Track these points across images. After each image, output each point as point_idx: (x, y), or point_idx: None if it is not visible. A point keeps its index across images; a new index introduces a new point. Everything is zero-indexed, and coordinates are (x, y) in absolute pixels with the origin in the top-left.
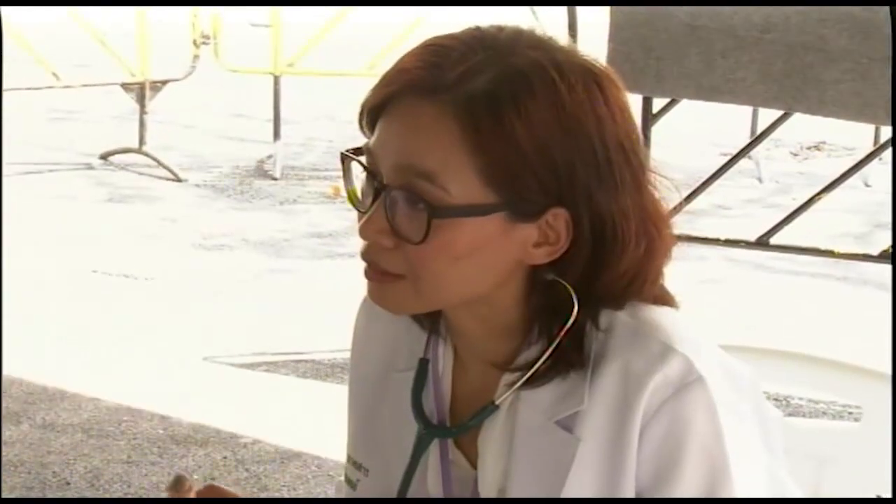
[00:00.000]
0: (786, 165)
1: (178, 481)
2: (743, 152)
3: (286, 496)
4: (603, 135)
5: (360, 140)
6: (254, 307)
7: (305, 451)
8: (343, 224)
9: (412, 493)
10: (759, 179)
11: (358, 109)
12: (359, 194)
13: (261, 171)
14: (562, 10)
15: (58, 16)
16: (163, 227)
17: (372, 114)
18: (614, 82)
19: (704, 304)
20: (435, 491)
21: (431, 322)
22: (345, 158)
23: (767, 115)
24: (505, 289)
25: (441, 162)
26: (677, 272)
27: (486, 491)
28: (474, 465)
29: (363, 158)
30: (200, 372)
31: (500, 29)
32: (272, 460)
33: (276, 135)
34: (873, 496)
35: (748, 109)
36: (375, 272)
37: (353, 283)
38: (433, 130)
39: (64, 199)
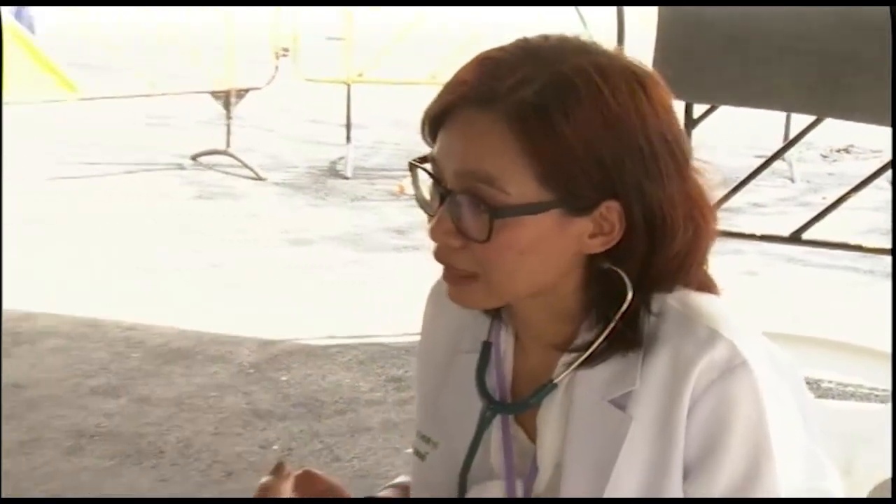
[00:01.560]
0: (816, 167)
1: (279, 466)
2: (777, 155)
3: (356, 466)
4: (647, 131)
5: (421, 143)
6: (332, 295)
7: (374, 426)
8: (409, 219)
9: (476, 464)
10: (792, 179)
11: (420, 120)
12: (427, 198)
13: (334, 171)
14: (605, 9)
15: (143, 27)
16: (247, 221)
17: (433, 124)
18: (656, 81)
19: (741, 294)
20: (497, 463)
21: (495, 309)
22: (412, 167)
23: (799, 120)
24: (566, 278)
25: (498, 166)
26: (716, 265)
27: (545, 463)
28: (533, 440)
29: (428, 166)
30: (278, 353)
31: (546, 38)
32: (344, 433)
33: (348, 138)
34: None
35: (781, 114)
36: (452, 275)
37: (418, 273)
38: (489, 138)
39: (158, 197)
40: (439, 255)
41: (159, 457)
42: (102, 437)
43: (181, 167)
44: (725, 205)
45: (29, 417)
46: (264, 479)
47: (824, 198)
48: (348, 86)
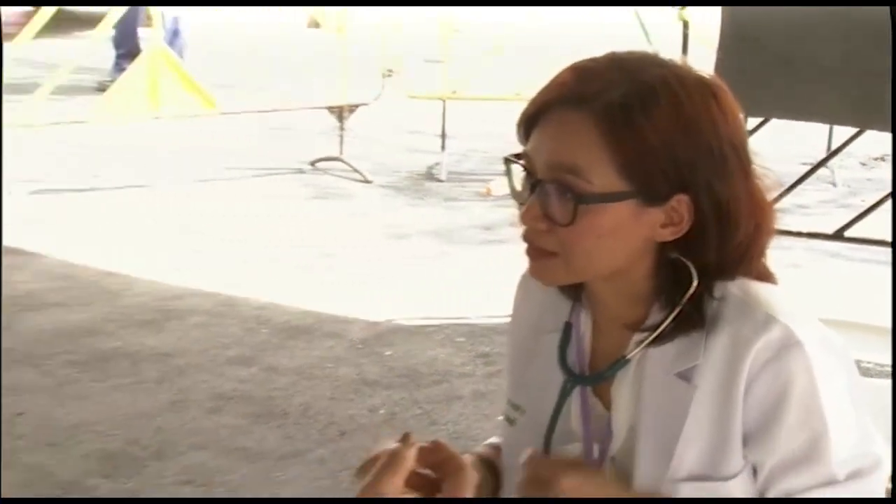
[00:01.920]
0: (855, 173)
1: (406, 436)
2: (823, 162)
3: (450, 430)
4: (718, 134)
5: (505, 151)
6: (427, 282)
7: (465, 395)
8: (494, 217)
9: (558, 430)
10: (834, 184)
11: (517, 121)
12: (518, 189)
13: (430, 175)
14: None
15: (270, 48)
16: (355, 218)
17: (527, 124)
18: (726, 91)
19: (789, 285)
20: (577, 427)
21: (575, 293)
22: (507, 161)
23: (840, 132)
24: (638, 264)
25: (585, 159)
26: (767, 258)
27: (619, 429)
28: (608, 409)
29: (521, 162)
30: (383, 331)
31: (631, 53)
32: (439, 401)
33: (443, 147)
34: None
35: (825, 126)
36: (534, 251)
37: (502, 263)
38: (578, 134)
39: (282, 197)
40: (527, 236)
41: (284, 417)
42: (237, 400)
43: (301, 171)
44: (775, 206)
45: (178, 382)
46: (393, 446)
47: (863, 200)
48: (444, 102)
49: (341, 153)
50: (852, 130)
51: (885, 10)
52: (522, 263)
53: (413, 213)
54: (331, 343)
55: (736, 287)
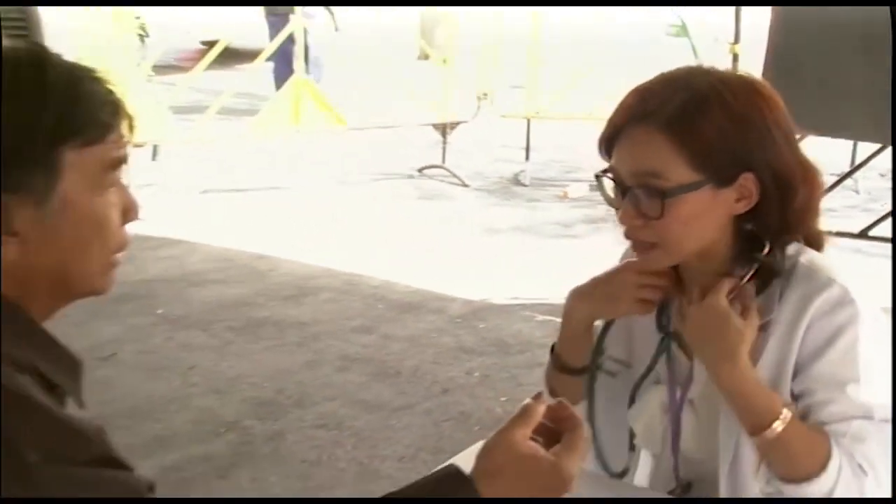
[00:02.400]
0: (876, 183)
1: (538, 395)
2: (851, 173)
3: (533, 390)
4: (765, 120)
5: (579, 162)
6: (514, 269)
7: (545, 362)
8: (570, 216)
9: (648, 380)
10: (857, 192)
11: (598, 141)
12: (611, 197)
13: (516, 181)
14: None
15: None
16: (455, 216)
17: (607, 143)
18: (766, 85)
19: None
20: (662, 374)
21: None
22: (598, 177)
23: (863, 147)
24: (721, 238)
25: (659, 162)
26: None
27: (700, 374)
28: (690, 359)
29: (609, 175)
30: (478, 308)
31: (679, 69)
32: (524, 366)
33: (527, 157)
34: None
35: (849, 142)
36: (638, 245)
37: (575, 254)
38: (650, 144)
39: (395, 198)
40: (628, 234)
41: (397, 377)
42: (360, 361)
43: (411, 177)
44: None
45: (313, 345)
46: (526, 401)
47: (883, 205)
48: (528, 120)
49: (444, 162)
50: (874, 146)
51: None
52: (592, 253)
53: (502, 212)
54: (435, 317)
55: (804, 259)
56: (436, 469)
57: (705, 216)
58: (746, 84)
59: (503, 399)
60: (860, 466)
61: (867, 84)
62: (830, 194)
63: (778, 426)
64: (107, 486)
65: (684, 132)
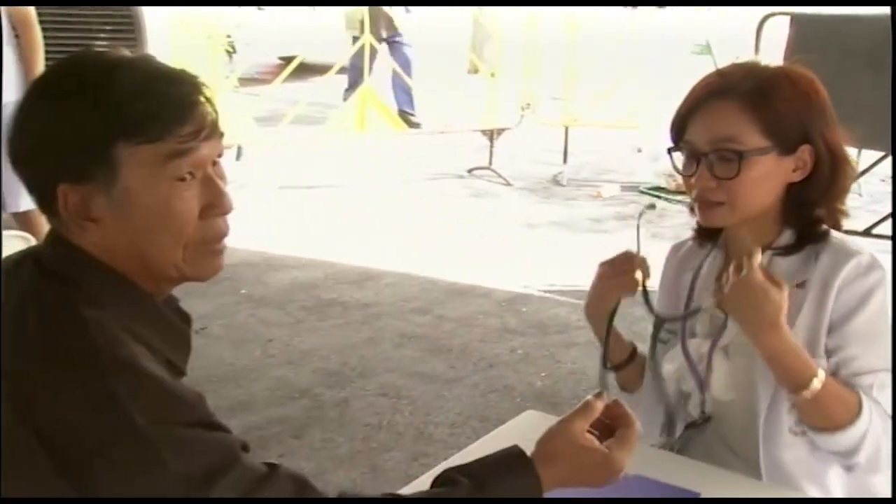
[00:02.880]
0: (877, 187)
1: (600, 394)
2: (855, 178)
3: (569, 367)
4: (820, 100)
5: (611, 165)
6: (552, 260)
7: (581, 342)
8: (603, 213)
9: (686, 332)
10: (860, 195)
11: (671, 122)
12: (679, 168)
13: (555, 181)
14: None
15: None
16: (500, 212)
17: (682, 120)
18: (814, 77)
19: None
20: (699, 330)
21: (712, 240)
22: (670, 151)
23: (867, 154)
24: (775, 203)
25: (737, 129)
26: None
27: (732, 328)
28: (726, 314)
29: (682, 149)
30: (519, 294)
31: (748, 60)
32: (562, 346)
33: (564, 160)
34: None
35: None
36: (705, 204)
37: (608, 247)
38: (730, 114)
39: (446, 195)
40: (699, 195)
41: (448, 353)
42: (415, 339)
43: (461, 177)
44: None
45: (375, 324)
46: (587, 398)
47: (884, 207)
48: (566, 128)
49: (491, 164)
50: (877, 154)
51: None
52: (621, 246)
53: (542, 209)
54: (482, 301)
55: (835, 236)
56: (499, 449)
57: (769, 180)
58: (803, 72)
59: (543, 374)
60: (886, 413)
61: (873, 98)
62: None
63: (816, 384)
64: (207, 446)
65: (758, 104)
